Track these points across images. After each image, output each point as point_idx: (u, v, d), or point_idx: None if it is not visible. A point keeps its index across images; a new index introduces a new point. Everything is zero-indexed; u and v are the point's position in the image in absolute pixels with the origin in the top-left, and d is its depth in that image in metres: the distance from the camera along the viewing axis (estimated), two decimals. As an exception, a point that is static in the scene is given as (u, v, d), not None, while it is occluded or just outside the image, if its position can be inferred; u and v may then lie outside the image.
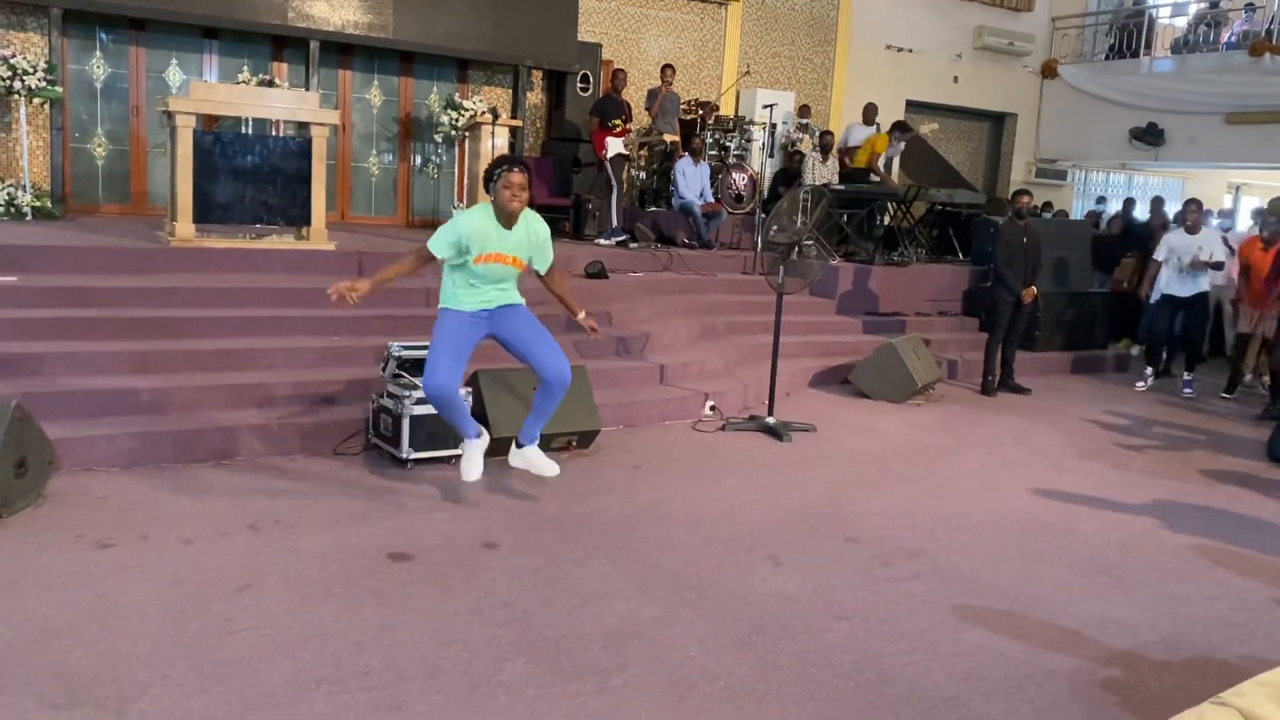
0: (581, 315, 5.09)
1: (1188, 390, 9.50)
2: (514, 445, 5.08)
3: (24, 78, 8.45)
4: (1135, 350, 10.99)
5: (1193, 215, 9.40)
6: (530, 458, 5.02)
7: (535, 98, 12.04)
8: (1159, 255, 9.51)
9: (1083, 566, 4.82)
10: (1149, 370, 9.79)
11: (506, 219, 4.62)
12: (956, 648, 3.84)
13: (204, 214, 7.50)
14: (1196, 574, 4.85)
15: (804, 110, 13.14)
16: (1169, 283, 9.45)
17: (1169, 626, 4.20)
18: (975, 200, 12.63)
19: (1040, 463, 6.77)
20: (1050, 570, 4.74)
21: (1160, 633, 4.12)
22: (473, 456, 4.89)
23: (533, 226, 4.73)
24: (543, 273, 4.95)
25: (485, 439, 4.95)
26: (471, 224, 4.56)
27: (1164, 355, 10.06)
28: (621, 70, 10.92)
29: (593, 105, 10.76)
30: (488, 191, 4.63)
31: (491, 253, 4.57)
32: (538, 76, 11.98)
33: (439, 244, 4.59)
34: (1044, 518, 5.55)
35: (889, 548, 4.89)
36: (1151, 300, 9.90)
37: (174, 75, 9.99)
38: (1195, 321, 9.53)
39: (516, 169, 4.53)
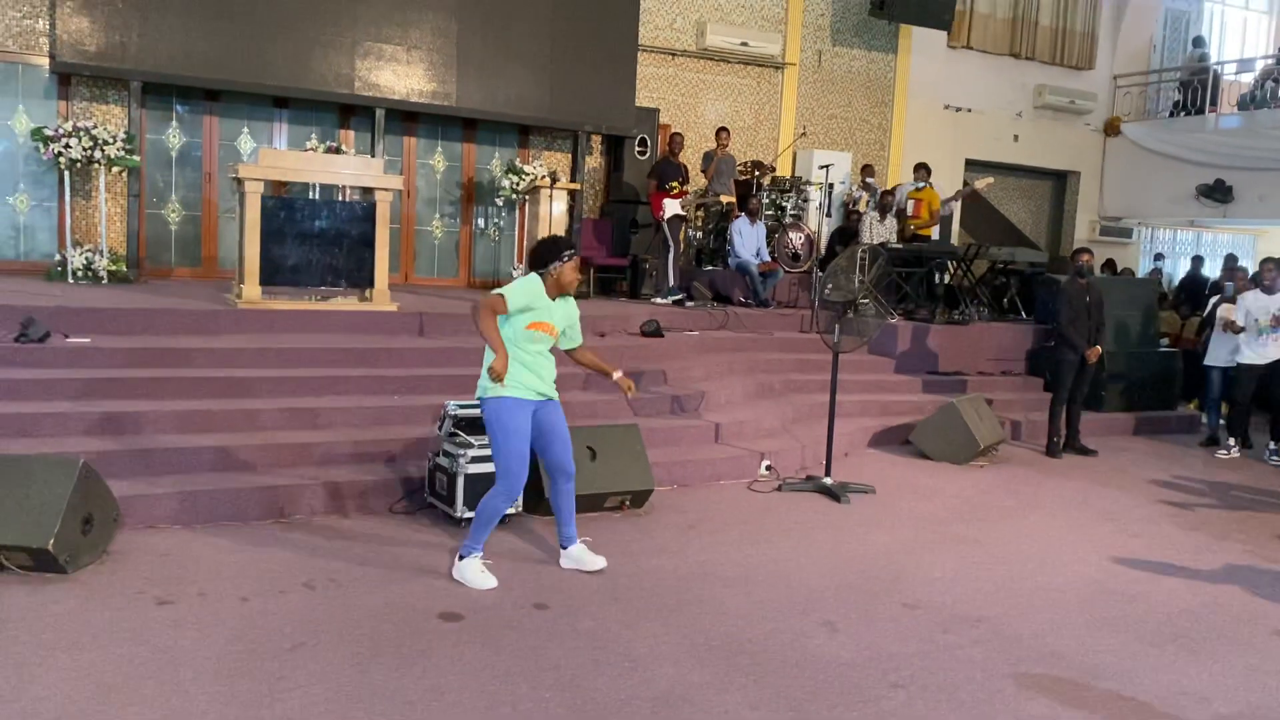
0: (616, 375, 5.17)
1: (1275, 459, 9.09)
2: (560, 550, 5.11)
3: (104, 148, 8.82)
4: (1205, 419, 10.47)
5: (1270, 274, 9.13)
6: (577, 555, 5.05)
7: (594, 161, 12.24)
8: (1238, 318, 9.20)
9: (1152, 634, 4.65)
10: (1232, 441, 9.35)
11: (555, 294, 4.81)
12: (1018, 718, 3.71)
13: (271, 276, 7.71)
14: (1273, 644, 4.65)
15: (867, 169, 13.15)
16: (1248, 349, 9.06)
17: (1244, 699, 4.02)
18: (1038, 259, 12.49)
19: (1107, 526, 6.58)
20: (1117, 638, 4.58)
21: (1235, 706, 3.95)
22: (485, 572, 4.77)
23: (570, 304, 4.97)
24: (573, 349, 5.09)
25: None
26: (536, 288, 4.73)
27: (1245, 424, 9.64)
28: (679, 134, 11.07)
29: (650, 168, 10.90)
30: (540, 268, 4.77)
31: (544, 321, 4.76)
32: (597, 141, 12.19)
33: (514, 296, 4.64)
34: (1111, 583, 5.38)
35: (949, 613, 4.77)
36: (1215, 363, 9.61)
37: (245, 143, 10.34)
38: (1276, 388, 9.18)
39: (579, 254, 4.86)
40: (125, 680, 3.58)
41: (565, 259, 4.77)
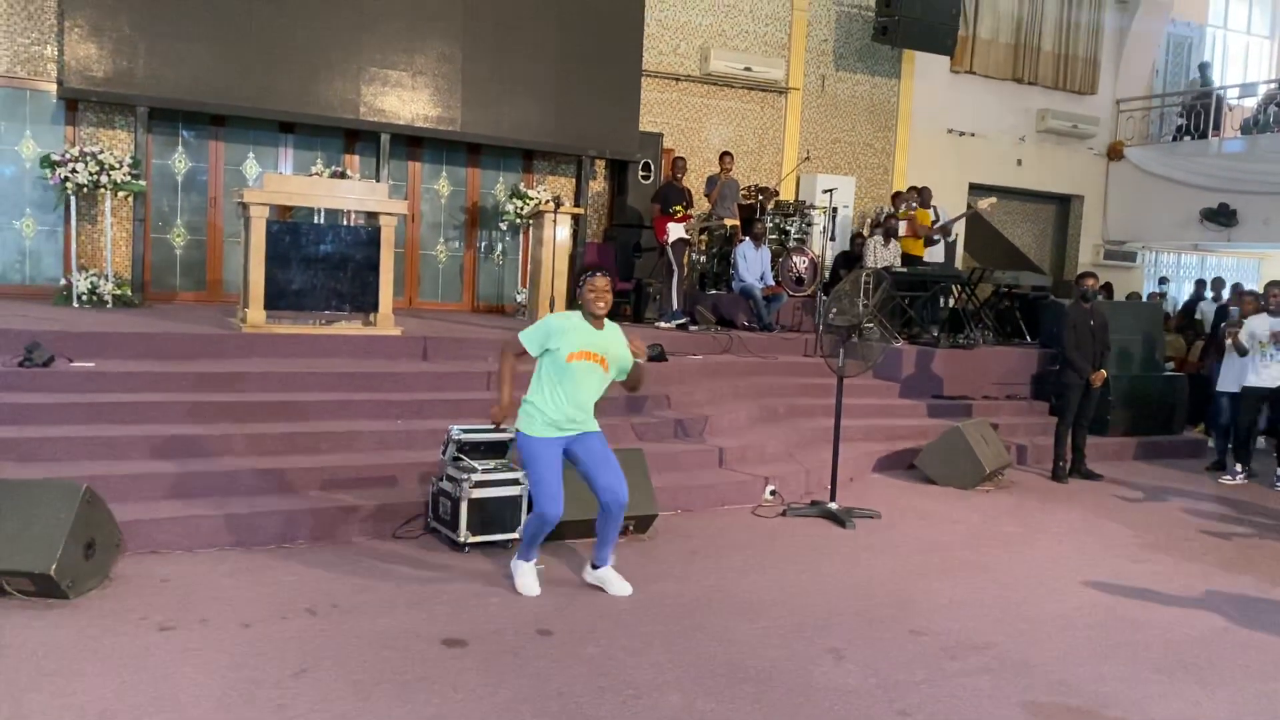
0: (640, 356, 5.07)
1: None
2: (589, 566, 5.18)
3: (110, 173, 8.86)
4: (1212, 444, 10.40)
5: (1275, 297, 9.09)
6: (604, 577, 5.12)
7: (598, 185, 12.28)
8: (1244, 339, 9.17)
9: (1160, 662, 4.61)
10: (1239, 467, 9.25)
11: (595, 321, 4.87)
12: (1027, 748, 3.68)
13: (276, 301, 7.72)
14: (1284, 672, 4.62)
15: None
16: (1252, 372, 9.00)
17: (1255, 728, 3.99)
18: (1041, 282, 12.48)
19: (1114, 552, 6.54)
20: (1125, 665, 4.54)
21: (1246, 735, 3.91)
22: (530, 578, 5.03)
23: (620, 337, 4.99)
24: (624, 379, 5.10)
25: (539, 566, 5.10)
26: (560, 321, 4.84)
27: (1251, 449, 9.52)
28: (682, 158, 11.11)
29: (654, 192, 10.93)
30: (579, 298, 4.90)
31: (582, 350, 4.79)
32: (600, 165, 12.23)
33: (528, 337, 4.84)
34: (1118, 610, 5.34)
35: (955, 640, 4.73)
36: (1225, 389, 9.56)
37: (251, 168, 10.39)
38: None
39: (599, 274, 4.85)
40: (127, 707, 3.55)
41: (581, 283, 4.85)
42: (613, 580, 5.09)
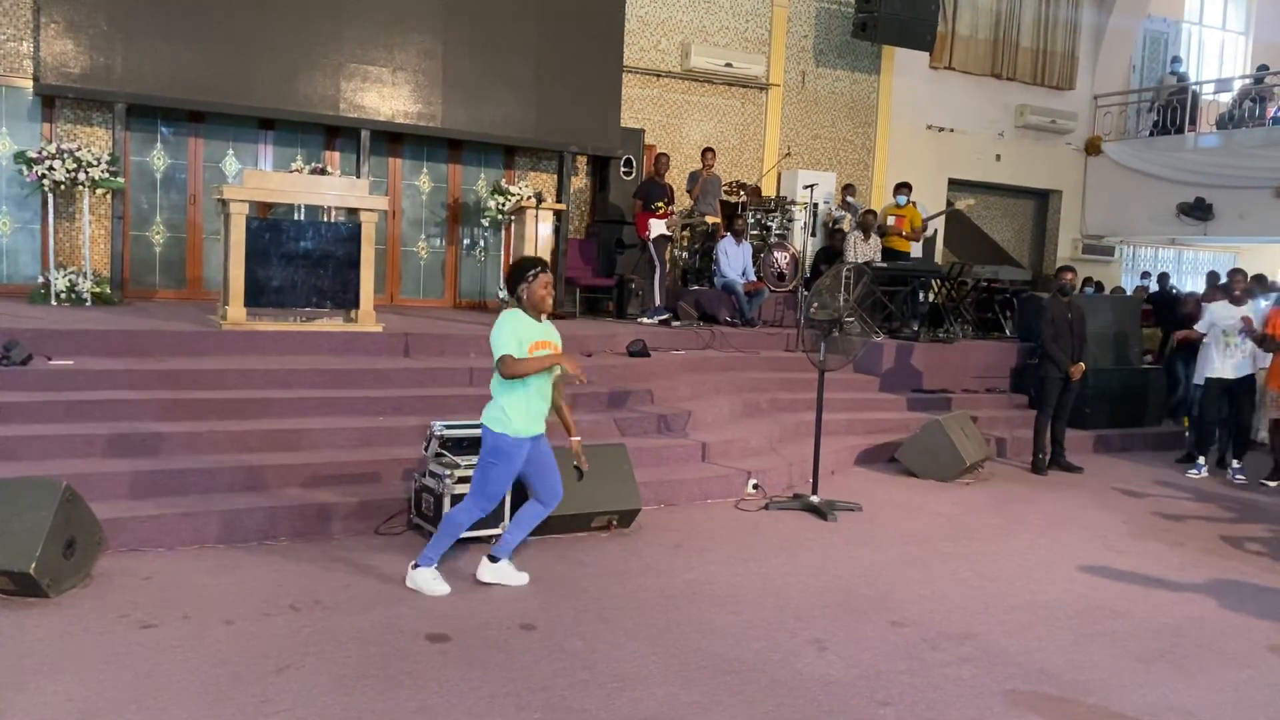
0: (575, 441, 5.25)
1: (1239, 477, 9.02)
2: (486, 559, 5.10)
3: (88, 170, 8.79)
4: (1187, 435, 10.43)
5: (1240, 284, 9.07)
6: (502, 572, 5.07)
7: (580, 182, 12.27)
8: (1201, 328, 9.19)
9: (1139, 650, 4.66)
10: (1201, 460, 9.25)
11: (537, 315, 4.91)
12: (1007, 735, 3.71)
13: (256, 298, 7.69)
14: (1259, 659, 4.67)
15: (849, 189, 13.18)
16: (1215, 363, 9.01)
17: (1231, 714, 4.03)
18: (1021, 277, 12.57)
19: (1093, 543, 6.60)
20: (1105, 654, 4.59)
21: (1222, 721, 3.96)
22: (437, 580, 4.90)
23: (552, 329, 5.04)
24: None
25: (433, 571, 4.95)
26: (517, 319, 4.81)
27: (1217, 441, 9.53)
28: (664, 154, 11.12)
29: (636, 189, 10.94)
30: (513, 290, 4.89)
31: (538, 340, 4.84)
32: (582, 161, 12.22)
33: (510, 344, 4.70)
34: (1097, 599, 5.39)
35: (937, 631, 4.77)
36: (1195, 381, 9.60)
37: (230, 165, 10.33)
38: (1242, 406, 9.10)
39: (547, 270, 4.92)
40: (108, 705, 3.54)
41: (531, 278, 4.83)
42: (509, 575, 5.05)
